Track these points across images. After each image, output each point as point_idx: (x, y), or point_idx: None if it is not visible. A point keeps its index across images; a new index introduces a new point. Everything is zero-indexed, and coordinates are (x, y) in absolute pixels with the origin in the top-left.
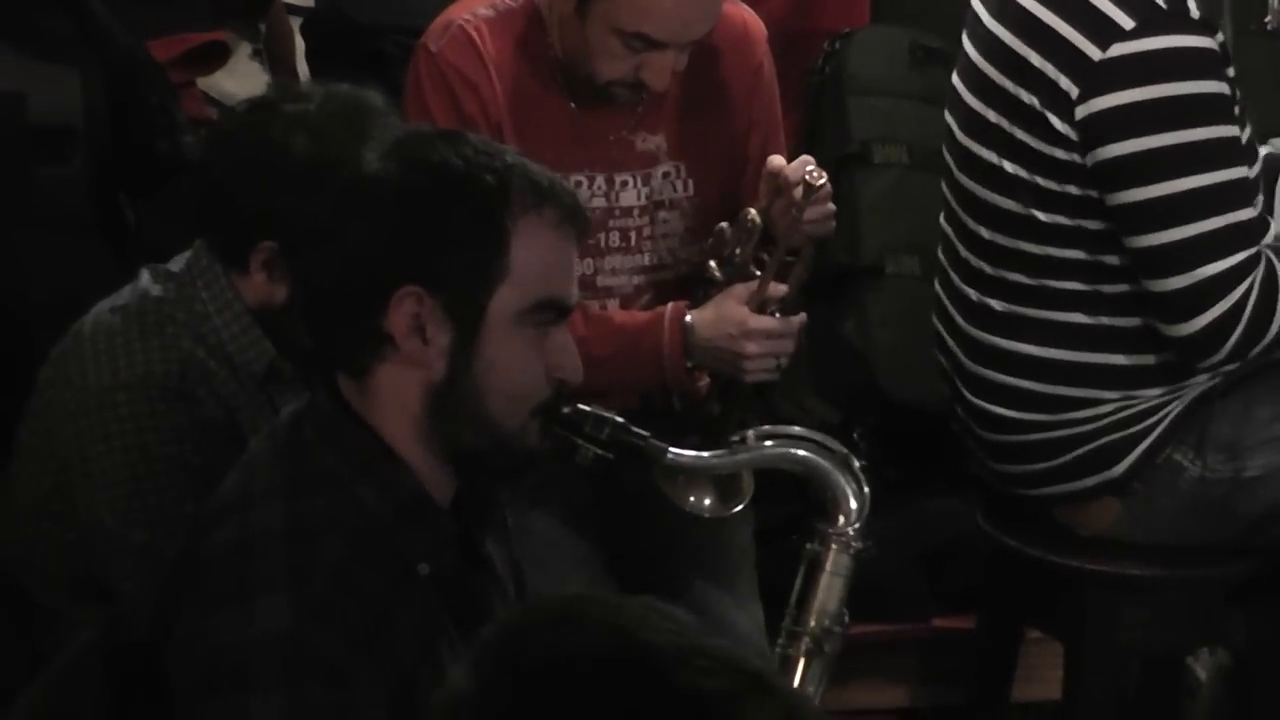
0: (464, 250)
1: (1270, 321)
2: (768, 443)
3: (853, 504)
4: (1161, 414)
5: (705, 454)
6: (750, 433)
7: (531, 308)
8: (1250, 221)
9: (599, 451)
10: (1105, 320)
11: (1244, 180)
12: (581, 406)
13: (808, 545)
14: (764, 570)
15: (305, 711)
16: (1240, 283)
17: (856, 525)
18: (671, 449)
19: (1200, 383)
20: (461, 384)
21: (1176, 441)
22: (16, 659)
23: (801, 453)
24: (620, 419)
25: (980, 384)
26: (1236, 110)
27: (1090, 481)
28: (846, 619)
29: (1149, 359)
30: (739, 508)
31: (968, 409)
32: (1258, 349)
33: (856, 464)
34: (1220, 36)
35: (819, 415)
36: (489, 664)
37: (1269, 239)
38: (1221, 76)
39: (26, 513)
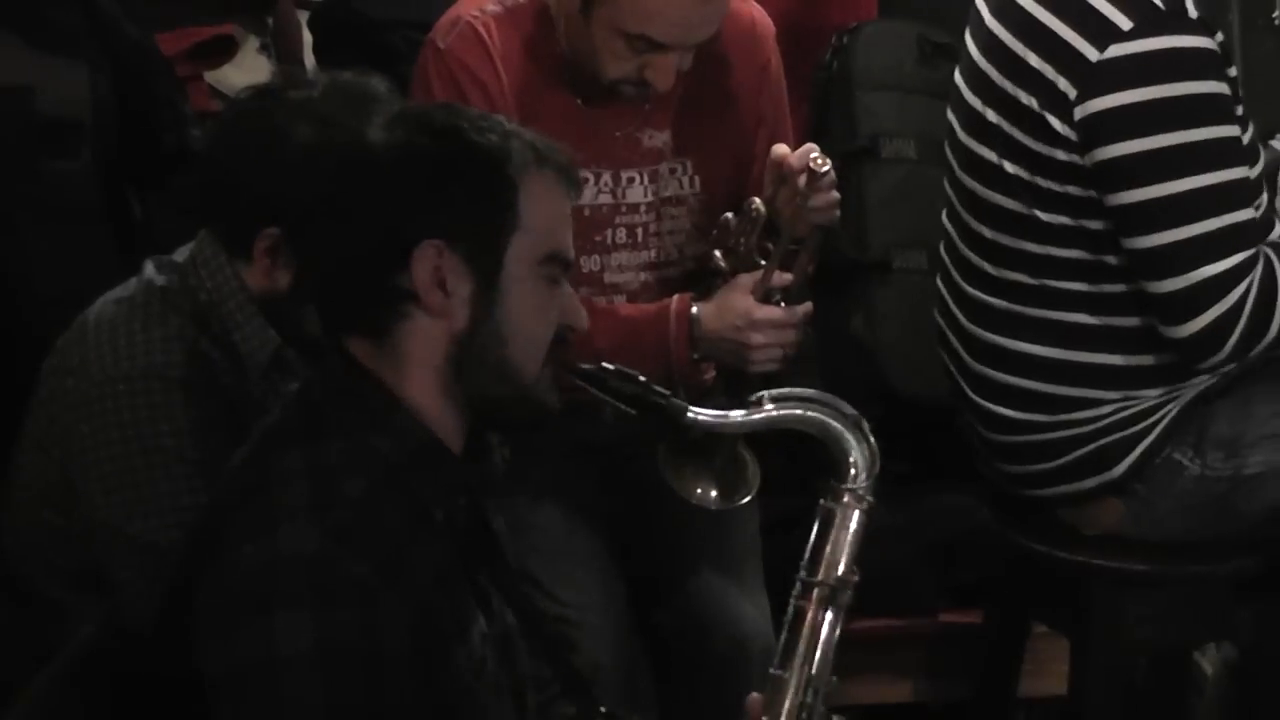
0: (476, 203)
1: (1270, 321)
2: (781, 404)
3: (863, 461)
4: (1160, 414)
5: (726, 414)
6: (765, 393)
7: (543, 259)
8: (1249, 222)
9: (622, 406)
10: (1108, 320)
11: (1243, 181)
12: (606, 365)
13: (821, 501)
14: (769, 563)
15: (333, 629)
16: (1238, 283)
17: (867, 482)
18: (692, 407)
19: (1199, 382)
20: (483, 332)
21: (1176, 441)
22: (19, 651)
23: (815, 414)
24: (644, 378)
25: (982, 383)
26: (1238, 110)
27: (1090, 483)
28: (857, 575)
29: (1151, 359)
30: (745, 499)
31: (971, 407)
32: (1259, 348)
33: (866, 425)
34: (1220, 36)
35: None
36: None
37: (1274, 238)
38: (1220, 76)
39: (29, 504)
